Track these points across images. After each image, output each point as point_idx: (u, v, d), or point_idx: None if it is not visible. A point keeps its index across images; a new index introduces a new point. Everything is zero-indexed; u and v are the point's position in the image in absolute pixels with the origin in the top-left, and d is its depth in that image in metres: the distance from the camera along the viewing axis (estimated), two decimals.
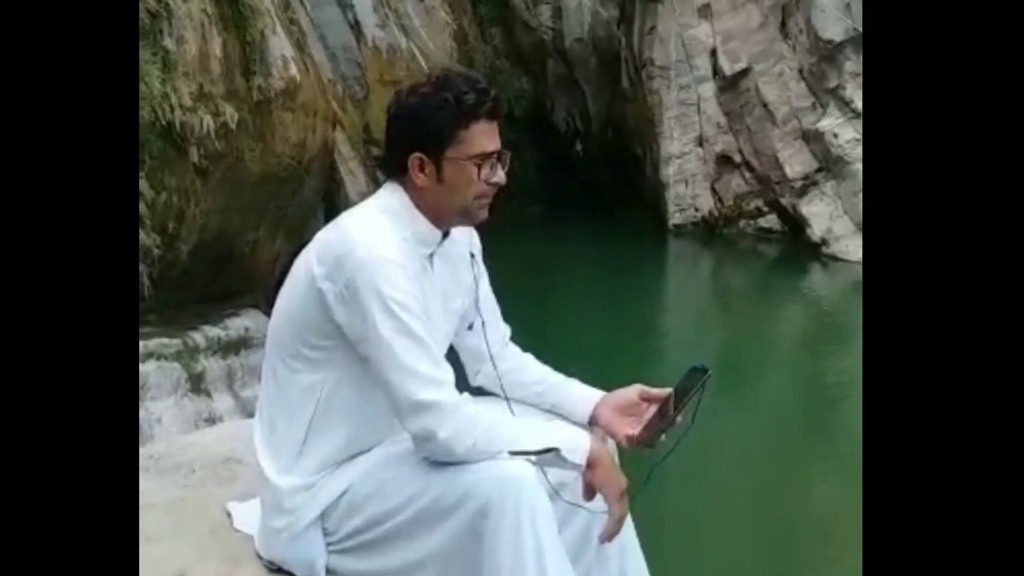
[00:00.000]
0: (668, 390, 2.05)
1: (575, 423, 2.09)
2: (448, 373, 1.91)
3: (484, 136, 1.97)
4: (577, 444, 1.91)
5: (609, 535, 1.95)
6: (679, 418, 2.02)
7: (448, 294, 2.06)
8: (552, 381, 2.17)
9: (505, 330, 2.22)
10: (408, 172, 1.97)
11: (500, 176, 2.00)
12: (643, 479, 2.09)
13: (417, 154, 1.96)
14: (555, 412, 2.12)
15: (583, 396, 2.14)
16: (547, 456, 1.87)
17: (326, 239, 1.97)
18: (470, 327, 2.14)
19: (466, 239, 2.13)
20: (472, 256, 2.13)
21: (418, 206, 1.98)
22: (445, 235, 2.04)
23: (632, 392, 2.11)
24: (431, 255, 2.02)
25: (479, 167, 1.96)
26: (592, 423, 2.10)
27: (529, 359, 2.21)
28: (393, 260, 1.89)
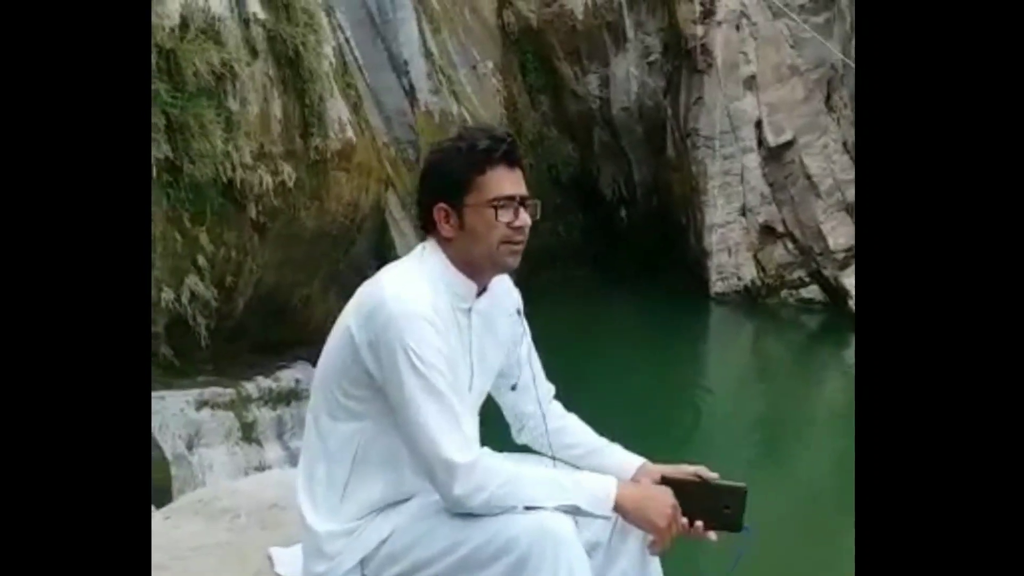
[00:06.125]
0: (708, 476, 2.05)
1: None
2: (470, 429, 1.92)
3: (502, 180, 1.99)
4: (601, 495, 1.92)
5: (655, 548, 2.01)
6: (707, 531, 2.02)
7: (485, 350, 2.07)
8: (593, 445, 2.19)
9: (550, 388, 2.24)
10: (437, 226, 2.01)
11: (523, 219, 1.99)
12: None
13: (441, 205, 2.00)
14: None
15: (623, 462, 2.15)
16: (571, 509, 1.90)
17: (364, 292, 1.99)
18: (513, 387, 2.18)
19: (509, 296, 2.14)
20: (518, 312, 2.17)
21: (452, 260, 2.01)
22: (483, 290, 2.06)
23: (671, 469, 2.11)
24: (469, 310, 2.03)
25: (497, 210, 1.97)
26: None
27: (572, 420, 2.23)
28: (422, 315, 1.90)
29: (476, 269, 2.03)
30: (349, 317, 1.99)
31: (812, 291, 9.84)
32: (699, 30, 10.09)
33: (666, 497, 1.98)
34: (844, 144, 9.76)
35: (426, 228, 2.06)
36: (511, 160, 2.02)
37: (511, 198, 2.00)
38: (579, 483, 1.94)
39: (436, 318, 1.93)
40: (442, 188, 2.01)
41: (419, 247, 2.07)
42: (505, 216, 1.99)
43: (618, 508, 1.95)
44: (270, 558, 2.25)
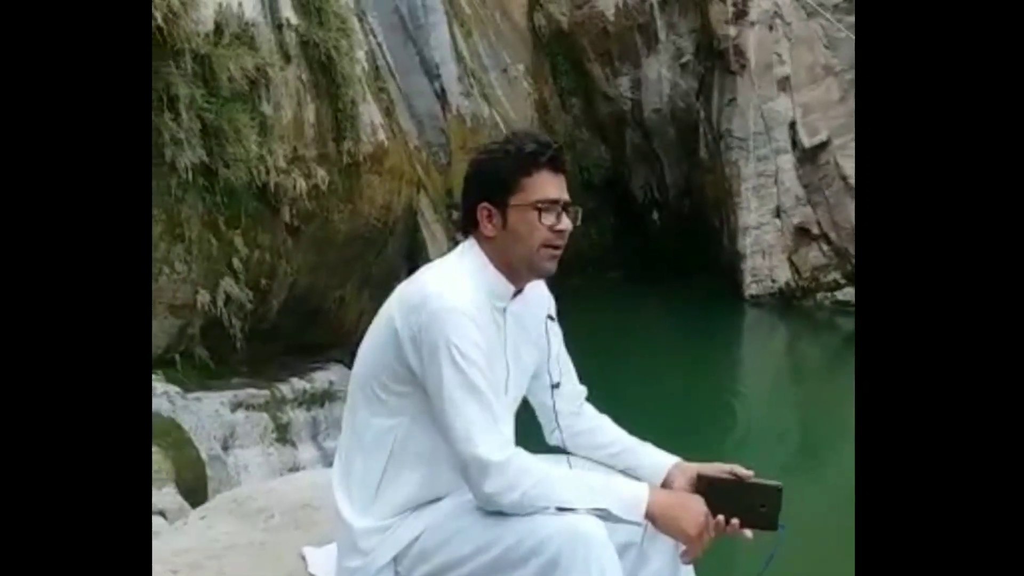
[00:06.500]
0: (743, 474, 2.05)
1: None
2: (506, 426, 1.94)
3: (547, 184, 2.02)
4: (633, 501, 1.93)
5: (687, 558, 2.01)
6: (742, 529, 2.01)
7: (519, 351, 2.09)
8: (627, 444, 2.19)
9: (581, 390, 2.25)
10: (479, 225, 2.04)
11: (565, 223, 2.03)
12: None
13: (484, 204, 2.03)
14: (628, 475, 2.14)
15: (657, 461, 2.16)
16: (602, 512, 1.90)
17: (406, 289, 2.02)
18: (556, 385, 2.18)
19: (543, 301, 2.16)
20: (550, 318, 2.18)
21: (491, 260, 2.04)
22: (519, 292, 2.08)
23: (706, 467, 2.11)
24: (504, 309, 2.06)
25: (540, 212, 2.01)
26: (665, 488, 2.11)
27: (605, 420, 2.24)
28: (464, 311, 1.93)
29: (514, 271, 2.05)
30: (392, 313, 2.01)
31: (847, 293, 9.74)
32: (732, 31, 10.04)
33: (698, 506, 1.98)
34: None
35: (467, 229, 2.08)
36: (556, 165, 2.05)
37: (555, 202, 2.03)
38: (610, 487, 1.95)
39: (477, 314, 1.96)
40: (487, 188, 2.04)
41: (459, 247, 2.10)
42: (548, 219, 2.02)
43: (649, 515, 1.95)
44: (304, 558, 2.26)
